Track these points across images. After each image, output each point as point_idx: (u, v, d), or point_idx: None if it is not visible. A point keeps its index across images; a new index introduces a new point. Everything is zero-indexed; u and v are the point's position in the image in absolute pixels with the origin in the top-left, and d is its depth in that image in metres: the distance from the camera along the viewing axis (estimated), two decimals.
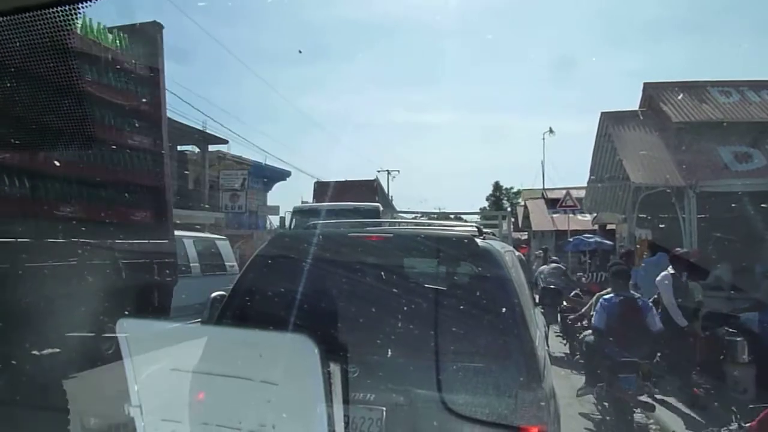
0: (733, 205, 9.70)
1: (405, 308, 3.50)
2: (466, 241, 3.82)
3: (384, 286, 3.67)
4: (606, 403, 6.79)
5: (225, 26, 67.71)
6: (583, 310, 8.69)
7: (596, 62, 69.50)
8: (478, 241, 3.78)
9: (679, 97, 11.86)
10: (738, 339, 7.84)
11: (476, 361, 3.26)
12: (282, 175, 33.01)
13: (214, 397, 2.11)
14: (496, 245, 4.08)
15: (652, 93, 12.50)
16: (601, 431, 6.58)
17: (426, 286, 3.76)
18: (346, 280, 3.68)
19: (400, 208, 38.83)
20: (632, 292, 7.12)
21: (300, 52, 79.73)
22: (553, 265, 13.43)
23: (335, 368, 2.05)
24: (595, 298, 8.57)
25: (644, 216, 12.86)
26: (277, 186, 34.08)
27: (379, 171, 47.61)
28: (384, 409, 3.10)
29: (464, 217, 27.42)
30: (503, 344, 3.32)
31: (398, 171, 48.74)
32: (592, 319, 7.31)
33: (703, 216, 10.31)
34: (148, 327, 2.38)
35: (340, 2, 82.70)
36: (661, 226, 12.04)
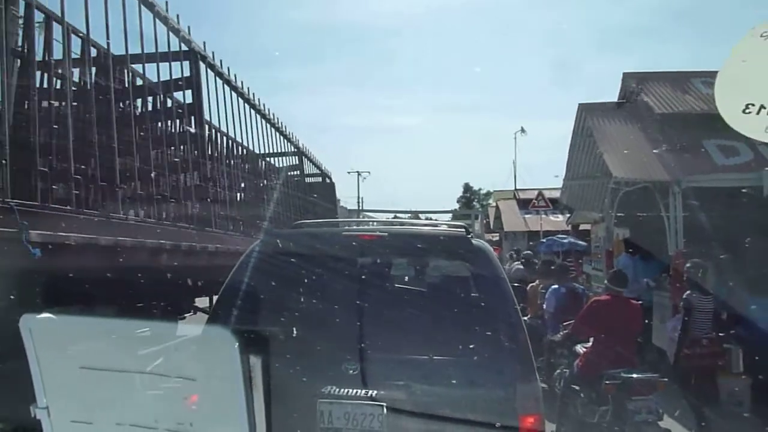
0: (720, 201, 9.11)
1: (401, 306, 3.59)
2: (459, 239, 3.85)
3: (380, 284, 3.78)
4: None
5: (191, 27, 66.09)
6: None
7: (571, 63, 69.90)
8: (472, 239, 3.85)
9: (661, 88, 11.29)
10: (731, 347, 7.24)
11: (474, 355, 3.34)
12: None
13: (126, 395, 1.98)
14: (486, 244, 4.20)
15: (632, 83, 11.91)
16: None
17: (421, 283, 4.09)
18: (341, 279, 3.69)
19: (371, 209, 38.23)
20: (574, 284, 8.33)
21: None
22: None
23: (256, 362, 2.00)
24: (539, 289, 8.58)
25: (622, 214, 12.27)
26: None
27: (349, 172, 47.15)
28: (385, 405, 3.17)
29: (436, 217, 26.89)
30: (500, 339, 3.41)
31: (369, 172, 48.27)
32: (544, 305, 7.90)
33: (686, 214, 9.68)
34: (54, 322, 2.09)
35: (305, 5, 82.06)
36: (641, 224, 11.44)
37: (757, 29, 2.01)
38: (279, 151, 13.33)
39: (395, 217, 24.26)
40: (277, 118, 12.67)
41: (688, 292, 6.84)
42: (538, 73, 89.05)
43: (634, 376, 5.42)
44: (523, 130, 38.03)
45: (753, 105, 1.86)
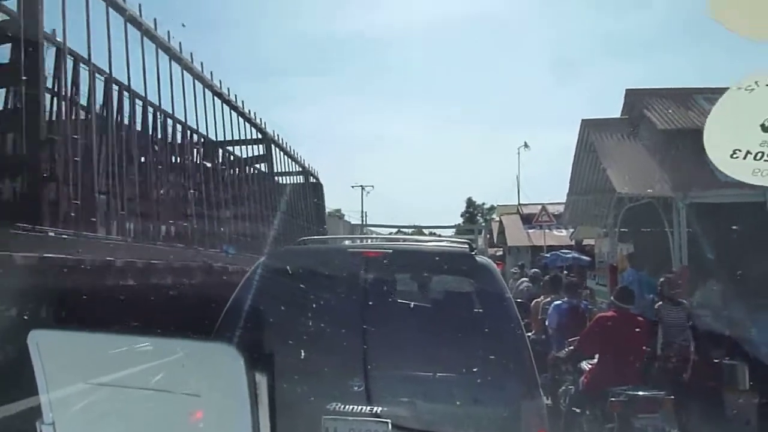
0: (724, 216, 9.09)
1: (405, 322, 3.59)
2: (464, 256, 3.90)
3: (384, 301, 3.78)
4: None
5: (187, 39, 66.47)
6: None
7: (574, 76, 70.07)
8: (476, 256, 3.91)
9: (664, 104, 11.33)
10: (737, 363, 7.17)
11: (478, 372, 3.32)
12: None
13: (132, 411, 2.01)
14: (490, 260, 4.23)
15: (635, 100, 11.96)
16: None
17: (425, 299, 3.99)
18: (346, 296, 3.73)
19: (374, 222, 38.16)
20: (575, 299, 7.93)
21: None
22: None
23: (261, 379, 1.90)
24: (542, 305, 8.39)
25: (626, 230, 12.25)
26: None
27: (353, 186, 46.95)
28: (389, 421, 3.14)
29: (439, 232, 26.89)
30: (504, 355, 3.41)
31: (372, 186, 48.00)
32: (546, 321, 7.76)
33: (690, 230, 9.66)
34: (62, 338, 2.17)
35: (305, 17, 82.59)
36: (645, 239, 11.42)
37: (744, 81, 2.21)
38: (233, 137, 10.57)
39: (398, 232, 24.26)
40: (227, 88, 9.69)
41: (659, 303, 7.47)
42: (541, 84, 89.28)
43: (640, 393, 5.33)
44: (526, 145, 38.01)
45: (740, 150, 2.10)
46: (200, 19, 66.59)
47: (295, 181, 15.24)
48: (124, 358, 2.05)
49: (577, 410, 6.13)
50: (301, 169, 15.37)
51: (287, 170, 14.33)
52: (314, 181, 16.73)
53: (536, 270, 14.21)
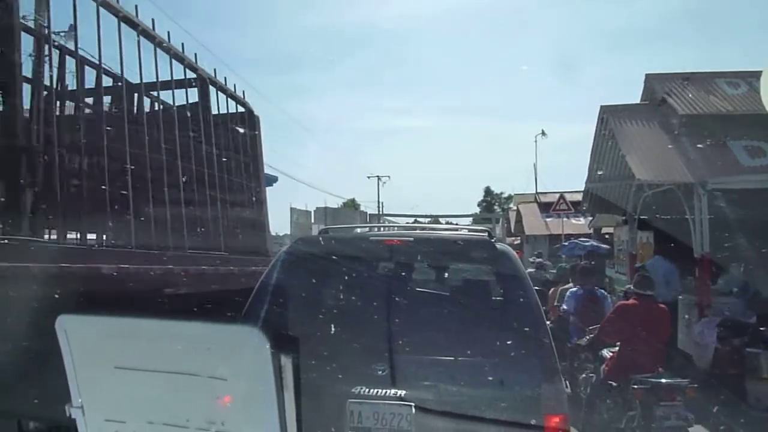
0: (746, 203, 8.94)
1: (427, 308, 3.69)
2: (484, 243, 3.95)
3: (406, 288, 3.87)
4: None
5: (205, 31, 66.61)
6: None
7: (591, 66, 69.31)
8: (495, 243, 3.96)
9: (685, 89, 11.11)
10: (759, 351, 7.09)
11: (499, 356, 3.42)
12: (269, 180, 32.07)
13: (159, 395, 2.01)
14: (509, 247, 4.25)
15: (655, 84, 11.73)
16: None
17: (446, 286, 4.17)
18: (369, 283, 3.82)
19: (391, 212, 38.13)
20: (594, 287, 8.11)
21: None
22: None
23: (287, 362, 1.91)
24: (559, 291, 8.73)
25: (645, 217, 12.10)
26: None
27: (369, 176, 46.87)
28: (413, 404, 3.24)
29: (456, 221, 26.83)
30: (524, 340, 3.49)
31: (389, 176, 47.91)
32: (563, 306, 7.95)
33: (712, 216, 9.52)
34: (90, 322, 2.16)
35: (317, 10, 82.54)
36: (665, 227, 11.27)
37: None
38: None
39: (416, 221, 24.26)
40: None
41: (628, 286, 8.02)
42: (558, 75, 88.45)
43: (663, 380, 5.34)
44: (543, 133, 37.87)
45: None
46: (215, 13, 66.62)
47: (189, 105, 7.68)
48: (151, 342, 2.07)
49: (599, 397, 6.12)
50: (196, 77, 7.47)
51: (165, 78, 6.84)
52: (241, 110, 8.73)
53: (540, 260, 14.52)
